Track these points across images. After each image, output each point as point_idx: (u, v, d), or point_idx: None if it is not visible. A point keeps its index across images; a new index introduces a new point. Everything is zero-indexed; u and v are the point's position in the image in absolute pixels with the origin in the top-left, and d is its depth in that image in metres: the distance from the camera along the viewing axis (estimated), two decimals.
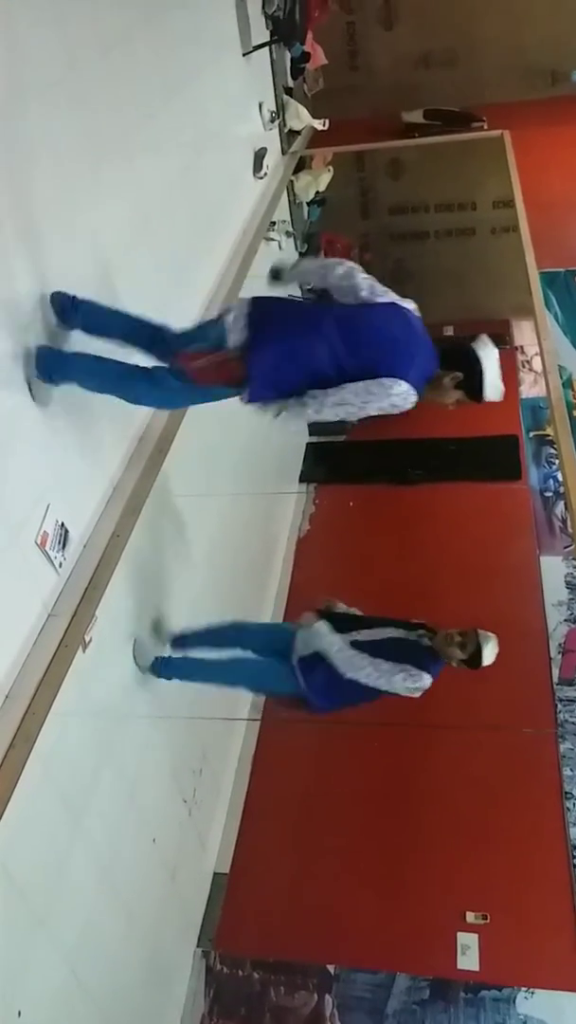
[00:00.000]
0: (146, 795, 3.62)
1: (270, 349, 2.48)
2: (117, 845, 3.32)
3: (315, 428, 7.62)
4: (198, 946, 4.19)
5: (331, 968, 4.14)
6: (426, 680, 3.15)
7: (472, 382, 2.62)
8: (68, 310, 2.67)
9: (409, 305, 2.63)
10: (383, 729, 4.28)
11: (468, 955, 4.06)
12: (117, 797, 3.32)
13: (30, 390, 2.58)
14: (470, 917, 4.14)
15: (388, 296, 2.61)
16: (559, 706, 5.02)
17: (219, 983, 4.12)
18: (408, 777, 4.61)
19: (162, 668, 3.57)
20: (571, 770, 4.68)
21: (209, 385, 2.61)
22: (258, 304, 2.55)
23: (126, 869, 3.41)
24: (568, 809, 4.52)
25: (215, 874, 4.42)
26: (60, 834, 2.88)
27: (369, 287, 2.58)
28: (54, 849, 2.85)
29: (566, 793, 4.57)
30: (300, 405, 2.52)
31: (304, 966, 4.15)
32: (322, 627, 3.31)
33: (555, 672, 5.19)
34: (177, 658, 3.61)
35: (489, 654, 3.23)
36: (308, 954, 4.17)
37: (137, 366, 2.73)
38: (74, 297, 2.70)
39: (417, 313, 2.64)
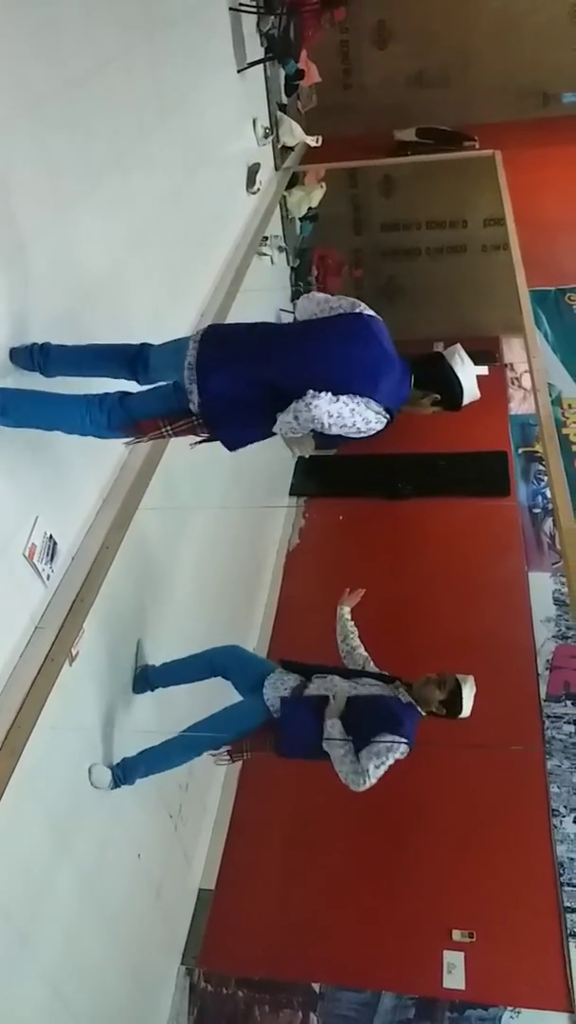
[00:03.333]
0: (132, 810, 3.59)
1: (228, 409, 2.37)
2: (102, 860, 3.29)
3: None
4: (182, 963, 4.15)
5: (316, 986, 4.10)
6: (403, 744, 3.07)
7: (450, 400, 2.55)
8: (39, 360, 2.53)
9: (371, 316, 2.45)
10: None
11: (454, 974, 4.04)
12: (102, 811, 3.29)
13: None
14: (456, 935, 4.13)
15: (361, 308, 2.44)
16: (546, 723, 5.02)
17: (203, 1001, 4.08)
18: (395, 794, 4.56)
19: (140, 682, 3.58)
20: (558, 787, 4.68)
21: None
22: (204, 357, 2.35)
23: (110, 885, 3.38)
24: (555, 826, 4.51)
25: (200, 890, 4.39)
26: (44, 849, 2.85)
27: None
28: (37, 864, 2.82)
29: (553, 810, 4.57)
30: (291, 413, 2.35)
31: (289, 984, 4.12)
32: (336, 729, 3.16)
33: (543, 688, 5.19)
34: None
35: (468, 693, 3.15)
36: (293, 972, 4.13)
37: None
38: (40, 345, 2.55)
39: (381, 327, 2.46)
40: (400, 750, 3.09)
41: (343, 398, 2.31)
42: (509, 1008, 3.95)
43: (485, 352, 8.18)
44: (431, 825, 4.48)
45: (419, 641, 5.41)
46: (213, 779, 4.72)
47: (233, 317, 4.69)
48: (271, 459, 6.55)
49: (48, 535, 2.74)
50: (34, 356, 2.54)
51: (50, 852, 2.88)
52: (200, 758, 3.48)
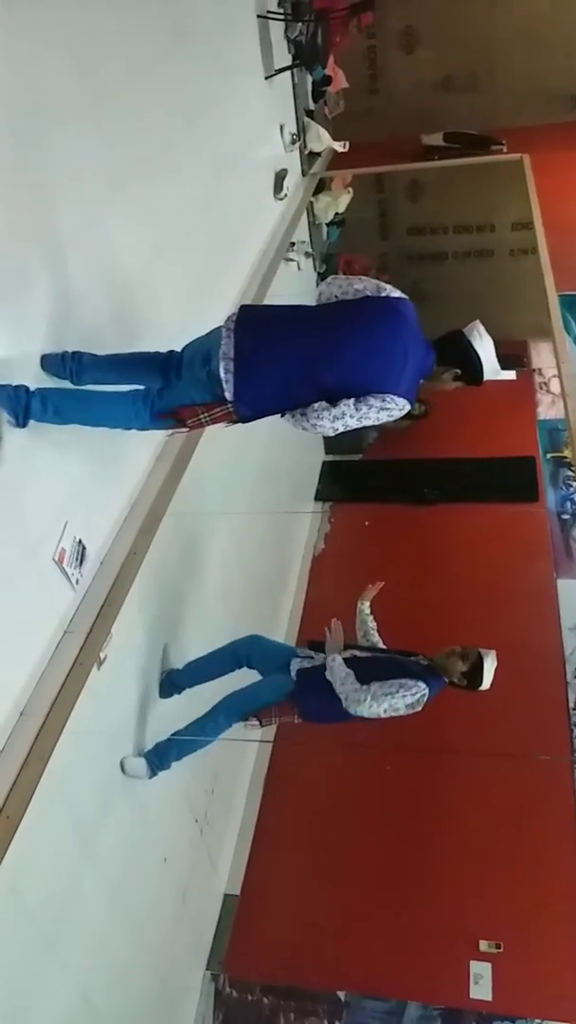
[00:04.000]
0: (158, 814, 3.60)
1: (262, 397, 2.42)
2: (128, 865, 3.30)
3: (331, 447, 7.64)
4: (207, 969, 4.15)
5: (341, 995, 4.08)
6: (422, 689, 3.12)
7: (470, 375, 2.56)
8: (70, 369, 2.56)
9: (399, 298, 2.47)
10: (396, 753, 4.25)
11: (481, 984, 4.00)
12: (129, 816, 3.30)
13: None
14: (483, 946, 4.09)
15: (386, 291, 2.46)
16: (575, 731, 4.96)
17: (228, 1007, 4.08)
18: (421, 802, 4.56)
19: (166, 687, 3.64)
20: None
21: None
22: (241, 344, 2.38)
23: (137, 890, 3.39)
24: None
25: (226, 895, 4.39)
26: (71, 854, 2.86)
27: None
28: (65, 869, 2.83)
29: None
30: (299, 418, 2.44)
31: (314, 992, 4.10)
32: (336, 662, 3.28)
33: (572, 697, 5.13)
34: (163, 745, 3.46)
35: (490, 666, 3.22)
36: (318, 980, 4.12)
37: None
38: (73, 353, 2.59)
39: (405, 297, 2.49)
40: (414, 696, 3.11)
41: (353, 405, 2.37)
42: (536, 1020, 3.90)
43: (513, 357, 8.12)
44: (458, 834, 4.44)
45: (446, 644, 5.37)
46: (239, 783, 4.72)
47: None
48: (297, 464, 6.56)
49: (77, 540, 2.76)
50: (66, 363, 2.56)
51: (77, 856, 2.90)
52: (231, 730, 3.53)
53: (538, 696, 5.00)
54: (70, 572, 2.71)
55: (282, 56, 5.66)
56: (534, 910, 4.18)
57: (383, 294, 2.45)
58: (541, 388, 7.71)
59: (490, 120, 7.93)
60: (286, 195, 5.83)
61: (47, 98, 2.57)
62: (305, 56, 5.87)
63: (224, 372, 2.36)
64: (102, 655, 2.80)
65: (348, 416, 2.37)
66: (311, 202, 6.76)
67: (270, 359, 2.38)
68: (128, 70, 3.19)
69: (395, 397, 2.39)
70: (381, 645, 3.60)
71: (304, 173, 6.67)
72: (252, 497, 5.16)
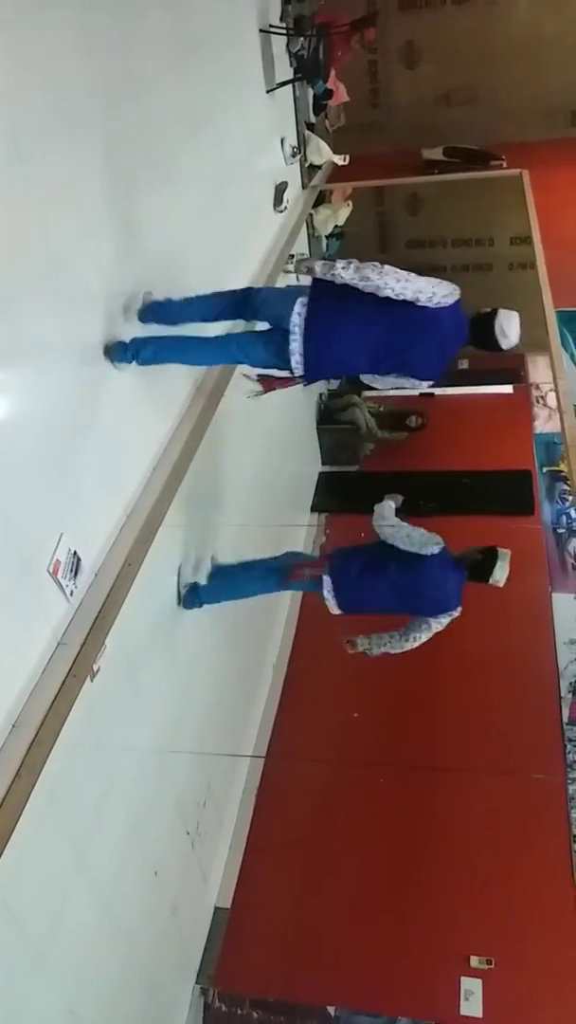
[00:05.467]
0: (149, 827, 3.59)
1: (325, 371, 3.10)
2: (119, 878, 3.28)
3: (328, 458, 7.65)
4: (197, 982, 4.12)
5: (331, 1010, 4.06)
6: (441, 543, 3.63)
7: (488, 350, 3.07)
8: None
9: (453, 298, 2.88)
10: (389, 769, 4.25)
11: (471, 1001, 3.98)
12: (120, 829, 3.29)
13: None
14: (474, 962, 4.07)
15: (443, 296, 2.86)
16: (568, 746, 4.96)
17: (217, 1021, 4.05)
18: (414, 817, 4.55)
19: (191, 598, 3.93)
20: None
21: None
22: (312, 330, 2.89)
23: (127, 902, 3.38)
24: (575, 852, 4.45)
25: (216, 909, 4.37)
26: (62, 866, 2.85)
27: (428, 296, 2.84)
28: (55, 882, 2.82)
29: (574, 837, 4.50)
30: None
31: (304, 1007, 4.08)
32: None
33: (565, 712, 5.13)
34: (205, 586, 4.03)
35: (503, 562, 3.60)
36: (308, 994, 4.09)
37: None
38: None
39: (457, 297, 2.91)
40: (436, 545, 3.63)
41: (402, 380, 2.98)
42: None
43: (510, 371, 8.17)
44: (450, 849, 4.43)
45: (440, 661, 5.37)
46: (231, 796, 4.70)
47: None
48: (293, 475, 6.57)
49: (72, 551, 2.76)
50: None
51: (68, 868, 2.88)
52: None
53: (532, 711, 4.99)
54: (64, 583, 2.71)
55: (284, 70, 5.69)
56: (526, 926, 4.17)
57: (436, 303, 2.84)
58: (538, 402, 7.74)
59: (490, 135, 7.98)
60: (286, 207, 5.85)
61: (50, 109, 2.58)
62: (307, 70, 5.90)
63: (293, 342, 2.88)
64: (95, 667, 2.79)
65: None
66: (311, 214, 6.79)
67: (337, 345, 2.89)
68: (131, 82, 3.21)
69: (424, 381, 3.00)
70: None
71: (304, 186, 6.70)
72: (248, 508, 5.16)
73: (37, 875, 2.67)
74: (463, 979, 4.04)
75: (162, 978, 3.80)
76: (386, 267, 2.82)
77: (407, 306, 2.82)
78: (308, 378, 3.03)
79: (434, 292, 2.82)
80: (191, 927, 4.15)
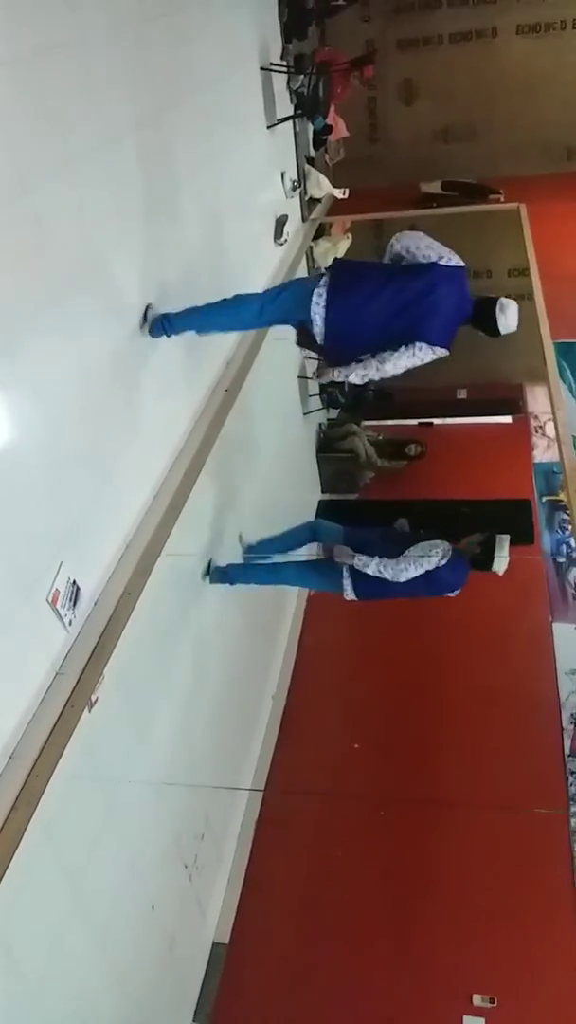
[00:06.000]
0: (147, 860, 3.54)
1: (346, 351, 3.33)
2: (115, 912, 3.24)
3: (327, 486, 7.67)
4: (194, 1020, 4.04)
5: None
6: (449, 551, 3.82)
7: (490, 333, 3.38)
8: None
9: (458, 263, 3.23)
10: (389, 802, 4.20)
11: None
12: (117, 862, 3.25)
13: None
14: (477, 1000, 4.00)
15: (445, 258, 3.20)
16: (571, 779, 4.91)
17: None
18: (414, 851, 4.49)
19: (220, 575, 4.27)
20: None
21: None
22: (333, 312, 3.18)
23: (123, 937, 3.32)
24: None
25: (214, 944, 4.30)
26: (57, 900, 2.81)
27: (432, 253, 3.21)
28: (50, 915, 2.78)
29: None
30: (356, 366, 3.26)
31: None
32: (360, 560, 3.91)
33: (567, 743, 5.08)
34: (236, 565, 4.36)
35: (501, 549, 3.85)
36: None
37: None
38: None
39: (461, 265, 3.25)
40: (441, 558, 3.81)
41: (409, 351, 3.16)
42: None
43: (509, 401, 8.21)
44: (452, 884, 4.37)
45: (441, 693, 5.35)
46: (230, 829, 4.65)
47: (260, 363, 4.75)
48: (293, 503, 6.57)
49: (71, 580, 2.75)
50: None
51: (64, 902, 2.84)
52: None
53: (534, 742, 4.95)
54: (63, 613, 2.70)
55: (284, 106, 5.80)
56: (529, 964, 4.10)
57: (444, 262, 3.17)
58: (537, 432, 7.77)
59: (488, 169, 8.09)
60: (286, 240, 5.93)
61: (53, 144, 2.63)
62: (306, 106, 6.01)
63: (316, 315, 3.16)
64: (94, 697, 2.78)
65: (407, 359, 3.18)
66: (311, 247, 6.87)
67: (356, 312, 3.16)
68: (134, 119, 3.26)
69: (436, 347, 3.17)
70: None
71: (304, 219, 6.79)
72: (248, 536, 5.16)
73: (32, 908, 2.63)
74: (466, 1018, 3.96)
75: (158, 1016, 3.72)
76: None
77: (420, 271, 3.17)
78: (329, 349, 3.32)
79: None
80: (188, 963, 4.08)
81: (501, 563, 3.78)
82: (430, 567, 3.79)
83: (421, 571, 3.79)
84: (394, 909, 4.33)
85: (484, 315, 3.33)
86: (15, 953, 2.51)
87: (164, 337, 3.40)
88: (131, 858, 3.36)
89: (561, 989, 4.04)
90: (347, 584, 4.05)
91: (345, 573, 4.04)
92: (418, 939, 4.21)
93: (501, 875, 4.38)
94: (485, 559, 3.84)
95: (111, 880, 3.20)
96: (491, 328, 3.35)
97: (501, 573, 3.84)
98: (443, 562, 3.79)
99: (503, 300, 3.35)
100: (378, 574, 3.85)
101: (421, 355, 3.19)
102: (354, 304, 3.16)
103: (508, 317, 3.34)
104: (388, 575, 3.82)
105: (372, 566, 3.85)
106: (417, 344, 3.16)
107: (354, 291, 3.17)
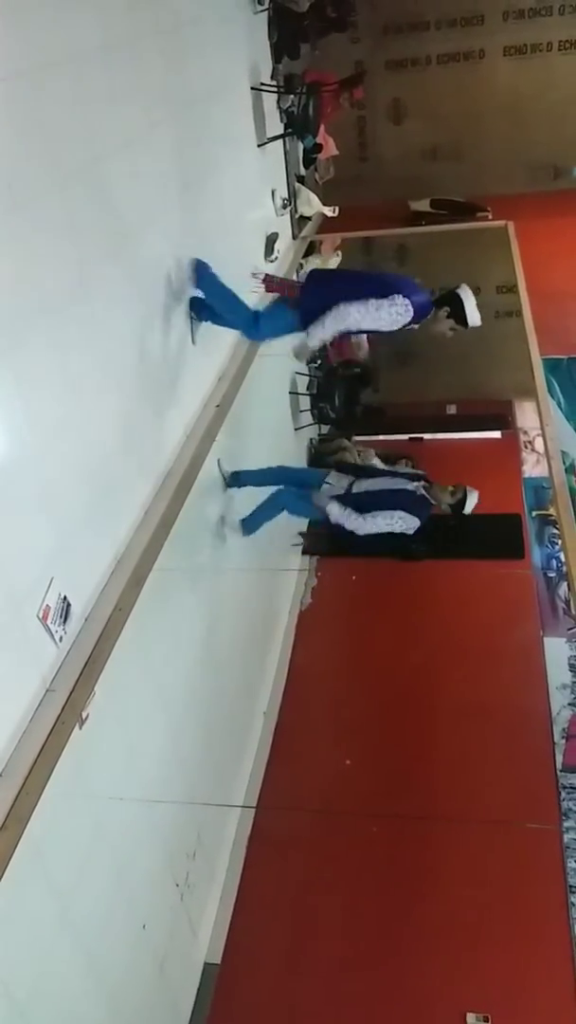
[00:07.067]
0: (137, 878, 3.51)
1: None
2: (105, 932, 3.20)
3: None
4: None
5: None
6: (413, 523, 4.11)
7: (457, 312, 3.61)
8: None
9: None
10: (381, 818, 4.18)
11: None
12: (108, 880, 3.22)
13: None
14: (471, 1019, 3.96)
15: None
16: (563, 794, 4.90)
17: None
18: (407, 868, 4.47)
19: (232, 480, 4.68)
20: (575, 862, 4.54)
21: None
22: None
23: (113, 958, 3.28)
24: (573, 904, 4.36)
25: (206, 964, 4.25)
26: (47, 919, 2.77)
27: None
28: (40, 935, 2.74)
29: (571, 887, 4.42)
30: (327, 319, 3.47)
31: None
32: (333, 508, 4.26)
33: (559, 758, 5.08)
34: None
35: (471, 502, 4.17)
36: None
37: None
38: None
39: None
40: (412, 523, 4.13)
41: (367, 304, 3.38)
42: None
43: (498, 416, 8.26)
44: (445, 902, 4.34)
45: (432, 708, 5.34)
46: (222, 847, 4.61)
47: (250, 380, 4.78)
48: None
49: (62, 596, 2.74)
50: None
51: (53, 923, 2.81)
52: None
53: (525, 757, 4.94)
54: (54, 629, 2.69)
55: (274, 125, 5.86)
56: (523, 981, 4.07)
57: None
58: (526, 447, 7.81)
59: (476, 188, 8.19)
60: (277, 258, 5.97)
61: (45, 160, 2.64)
62: (297, 125, 6.08)
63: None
64: (84, 714, 2.76)
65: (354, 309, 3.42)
66: (301, 264, 6.91)
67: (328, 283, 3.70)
68: (125, 136, 3.29)
69: (398, 296, 3.38)
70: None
71: (295, 236, 6.84)
72: (239, 551, 5.16)
73: (21, 927, 2.59)
74: None
75: None
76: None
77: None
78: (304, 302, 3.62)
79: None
80: (180, 983, 4.03)
81: (475, 316, 3.72)
82: (389, 529, 4.15)
83: (380, 530, 4.16)
84: (387, 926, 4.30)
85: (447, 300, 3.62)
86: (3, 973, 2.48)
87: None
88: (122, 877, 3.33)
89: (555, 1006, 4.01)
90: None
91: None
92: (411, 957, 4.17)
93: (494, 891, 4.36)
94: (458, 504, 4.17)
95: (101, 899, 3.17)
96: (457, 309, 3.62)
97: (479, 324, 3.79)
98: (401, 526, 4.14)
99: (462, 293, 3.64)
100: (340, 522, 4.22)
101: (394, 310, 3.37)
102: (327, 278, 3.65)
103: (469, 302, 3.62)
104: (350, 526, 4.19)
105: (337, 514, 4.23)
106: (392, 296, 3.36)
107: (327, 277, 3.65)
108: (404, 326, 3.51)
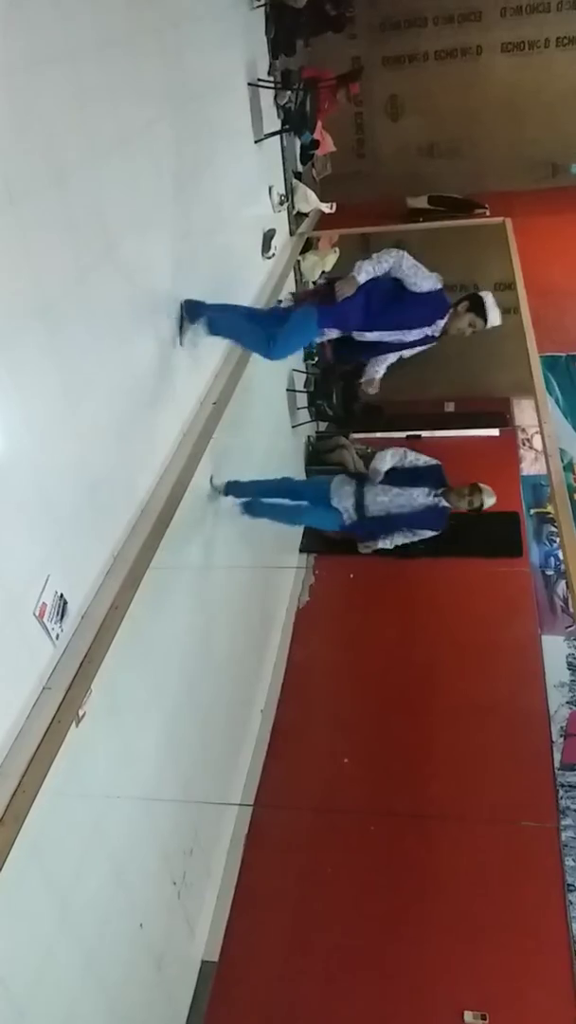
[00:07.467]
0: (135, 877, 3.50)
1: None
2: (102, 931, 3.19)
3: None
4: None
5: None
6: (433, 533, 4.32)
7: (478, 308, 3.73)
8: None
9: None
10: (379, 816, 4.18)
11: None
12: (105, 879, 3.21)
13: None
14: (468, 1017, 3.97)
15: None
16: (561, 792, 4.90)
17: None
18: (404, 866, 4.46)
19: (231, 489, 4.60)
20: (574, 860, 4.54)
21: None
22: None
23: (110, 956, 3.28)
24: (571, 902, 4.36)
25: (203, 962, 4.25)
26: (44, 918, 2.77)
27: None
28: (37, 934, 2.74)
29: (569, 885, 4.42)
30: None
31: None
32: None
33: (557, 756, 5.07)
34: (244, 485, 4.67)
35: (488, 503, 4.27)
36: None
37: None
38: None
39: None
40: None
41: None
42: None
43: (496, 414, 8.25)
44: (442, 899, 4.34)
45: (430, 706, 5.33)
46: (219, 844, 4.61)
47: (248, 378, 4.77)
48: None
49: (59, 594, 2.73)
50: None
51: (51, 921, 2.80)
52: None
53: (523, 755, 4.94)
54: (50, 627, 2.68)
55: (271, 121, 5.83)
56: (520, 979, 4.07)
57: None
58: (524, 445, 7.81)
59: (473, 185, 8.16)
60: (274, 254, 5.95)
61: (41, 158, 2.63)
62: (294, 122, 6.05)
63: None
64: (81, 712, 2.75)
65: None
66: (298, 261, 6.90)
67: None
68: (122, 133, 3.27)
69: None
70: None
71: (292, 233, 6.82)
72: (237, 549, 5.15)
73: (18, 926, 2.59)
74: None
75: None
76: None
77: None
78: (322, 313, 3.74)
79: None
80: (177, 982, 4.02)
81: (495, 315, 3.83)
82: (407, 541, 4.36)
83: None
84: (384, 925, 4.30)
85: (466, 297, 3.77)
86: (1, 971, 2.47)
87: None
88: (119, 875, 3.32)
89: (553, 1005, 4.02)
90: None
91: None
92: (409, 955, 4.17)
93: (492, 889, 4.36)
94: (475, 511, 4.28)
95: (99, 898, 3.16)
96: (477, 304, 3.75)
97: (499, 323, 3.90)
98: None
99: (483, 292, 3.81)
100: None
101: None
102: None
103: (489, 299, 3.77)
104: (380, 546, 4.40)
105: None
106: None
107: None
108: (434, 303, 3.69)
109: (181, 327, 3.91)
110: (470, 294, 3.83)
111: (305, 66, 6.38)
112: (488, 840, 4.30)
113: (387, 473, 4.36)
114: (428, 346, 3.89)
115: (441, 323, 3.77)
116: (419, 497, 4.30)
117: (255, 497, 4.79)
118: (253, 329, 3.98)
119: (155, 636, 3.83)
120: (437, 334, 3.82)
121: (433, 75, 8.09)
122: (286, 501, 4.81)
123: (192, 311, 3.92)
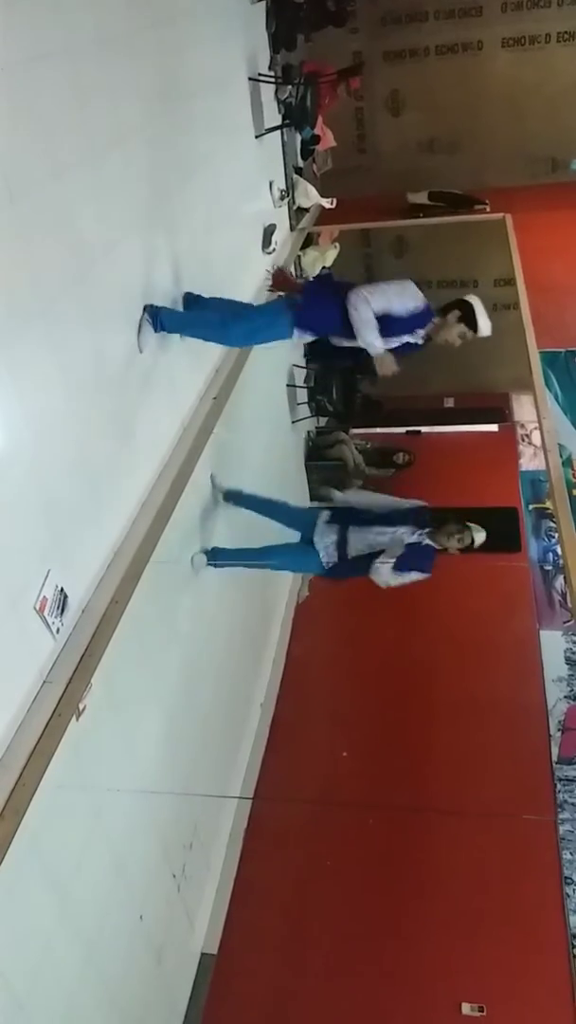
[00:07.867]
0: (134, 870, 3.52)
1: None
2: (102, 923, 3.21)
3: (316, 494, 7.68)
4: None
5: None
6: (413, 576, 4.07)
7: (468, 315, 3.54)
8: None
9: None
10: (378, 810, 4.20)
11: None
12: (105, 872, 3.23)
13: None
14: (466, 1009, 3.99)
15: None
16: (559, 786, 4.92)
17: None
18: (403, 859, 4.49)
19: (211, 556, 4.39)
20: (571, 854, 4.56)
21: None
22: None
23: (110, 949, 3.30)
24: (568, 895, 4.39)
25: (203, 955, 4.27)
26: (44, 911, 2.79)
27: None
28: (37, 927, 2.75)
29: (566, 878, 4.45)
30: None
31: None
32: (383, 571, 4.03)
33: (554, 751, 5.10)
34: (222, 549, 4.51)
35: (478, 541, 4.18)
36: None
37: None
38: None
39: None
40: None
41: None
42: None
43: (495, 410, 8.26)
44: (441, 892, 4.36)
45: (429, 700, 5.35)
46: (218, 838, 4.63)
47: (248, 372, 4.77)
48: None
49: (59, 588, 2.74)
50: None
51: (51, 914, 2.82)
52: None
53: (521, 750, 4.96)
54: (51, 621, 2.69)
55: (272, 116, 5.83)
56: (518, 972, 4.09)
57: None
58: (523, 440, 7.82)
59: (474, 180, 8.16)
60: (274, 249, 5.95)
61: (42, 152, 2.63)
62: (294, 117, 6.05)
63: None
64: (81, 706, 2.76)
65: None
66: (299, 256, 6.89)
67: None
68: (123, 128, 3.27)
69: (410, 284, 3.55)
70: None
71: (292, 228, 6.82)
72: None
73: (19, 921, 2.61)
74: None
75: None
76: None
77: None
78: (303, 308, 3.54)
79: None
80: (177, 974, 4.05)
81: (485, 325, 3.64)
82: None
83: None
84: (383, 917, 4.32)
85: (455, 304, 3.58)
86: (2, 964, 2.49)
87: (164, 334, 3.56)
88: (119, 868, 3.34)
89: (550, 997, 4.04)
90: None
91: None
92: (407, 948, 4.20)
93: (490, 882, 4.38)
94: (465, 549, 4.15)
95: (99, 891, 3.18)
96: (467, 310, 3.56)
97: (489, 333, 3.69)
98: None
99: (471, 299, 3.60)
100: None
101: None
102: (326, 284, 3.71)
103: (479, 308, 3.57)
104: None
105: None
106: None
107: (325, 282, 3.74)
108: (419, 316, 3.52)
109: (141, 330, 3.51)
110: (458, 300, 3.62)
111: (306, 61, 6.37)
112: (486, 833, 4.32)
113: (369, 513, 4.31)
114: (410, 352, 3.68)
115: (422, 332, 3.59)
116: (404, 536, 4.13)
117: (251, 508, 4.71)
118: (208, 320, 3.78)
119: (155, 630, 3.84)
120: (420, 342, 3.63)
121: (434, 70, 8.07)
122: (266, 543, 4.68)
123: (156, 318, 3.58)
